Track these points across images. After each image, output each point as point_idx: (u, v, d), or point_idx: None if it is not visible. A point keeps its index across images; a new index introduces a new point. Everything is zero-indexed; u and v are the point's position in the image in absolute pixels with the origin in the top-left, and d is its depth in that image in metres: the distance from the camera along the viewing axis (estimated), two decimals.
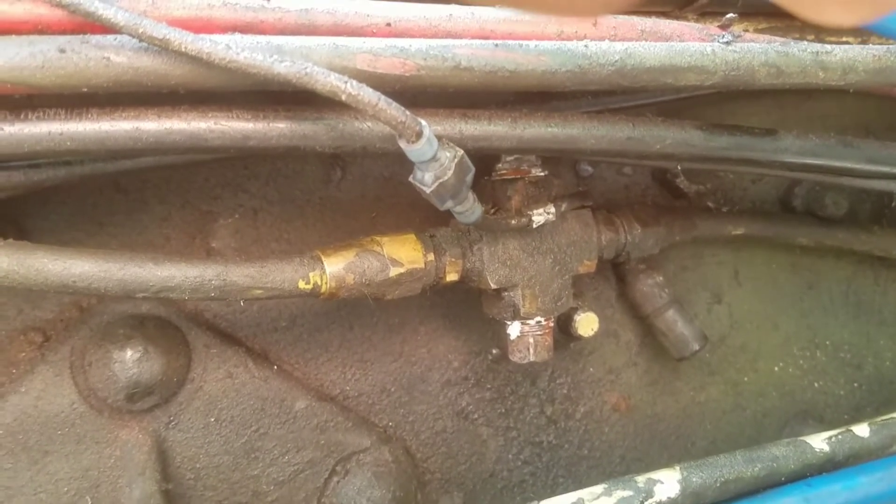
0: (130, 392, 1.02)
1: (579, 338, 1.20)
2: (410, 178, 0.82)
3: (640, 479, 0.93)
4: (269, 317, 1.17)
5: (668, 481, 0.93)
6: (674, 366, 1.39)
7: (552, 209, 1.08)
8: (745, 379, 1.44)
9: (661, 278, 1.30)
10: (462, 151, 0.82)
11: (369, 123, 0.81)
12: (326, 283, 0.96)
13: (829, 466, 1.02)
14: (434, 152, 0.78)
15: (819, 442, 1.03)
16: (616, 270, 1.34)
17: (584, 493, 0.91)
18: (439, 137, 0.81)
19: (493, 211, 1.09)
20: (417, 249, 1.03)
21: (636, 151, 0.94)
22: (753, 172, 1.10)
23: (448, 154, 0.81)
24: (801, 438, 1.03)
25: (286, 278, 0.93)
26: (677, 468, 0.95)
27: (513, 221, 1.05)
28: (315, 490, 1.15)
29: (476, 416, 1.29)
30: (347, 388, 1.22)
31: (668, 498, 0.92)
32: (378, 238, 1.01)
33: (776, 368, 1.46)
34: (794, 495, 0.97)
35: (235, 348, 1.11)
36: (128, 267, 0.85)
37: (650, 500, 0.91)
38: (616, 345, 1.37)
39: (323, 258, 0.97)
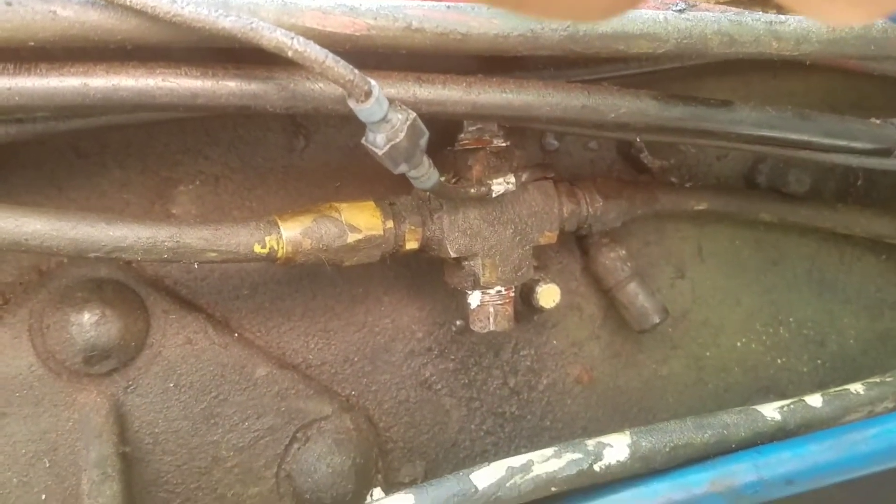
0: (88, 355, 1.02)
1: (541, 309, 1.21)
2: (363, 141, 0.83)
3: (591, 443, 0.94)
4: (231, 284, 1.17)
5: (618, 445, 0.94)
6: (636, 339, 1.40)
7: (512, 179, 1.08)
8: (708, 354, 1.46)
9: (623, 252, 1.31)
10: (414, 114, 0.82)
11: (321, 84, 0.82)
12: (283, 248, 0.97)
13: (780, 435, 1.03)
14: (384, 113, 0.78)
15: (771, 411, 1.04)
16: (580, 244, 1.35)
17: (534, 455, 0.92)
18: (392, 100, 0.81)
19: (454, 181, 1.10)
20: (376, 216, 1.03)
21: (591, 120, 0.94)
22: (711, 145, 1.10)
23: (400, 116, 0.81)
24: (753, 407, 1.05)
25: (241, 242, 0.94)
26: (627, 433, 0.96)
27: (472, 190, 1.05)
28: (275, 456, 1.16)
29: (439, 386, 1.30)
30: (310, 357, 1.22)
31: (618, 461, 0.94)
32: (336, 204, 1.02)
33: (738, 344, 1.48)
34: (743, 461, 0.98)
35: (195, 314, 1.11)
36: (80, 226, 0.85)
37: (599, 463, 0.92)
38: (579, 318, 1.38)
39: (280, 223, 0.97)
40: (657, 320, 1.29)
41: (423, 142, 0.85)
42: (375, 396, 1.26)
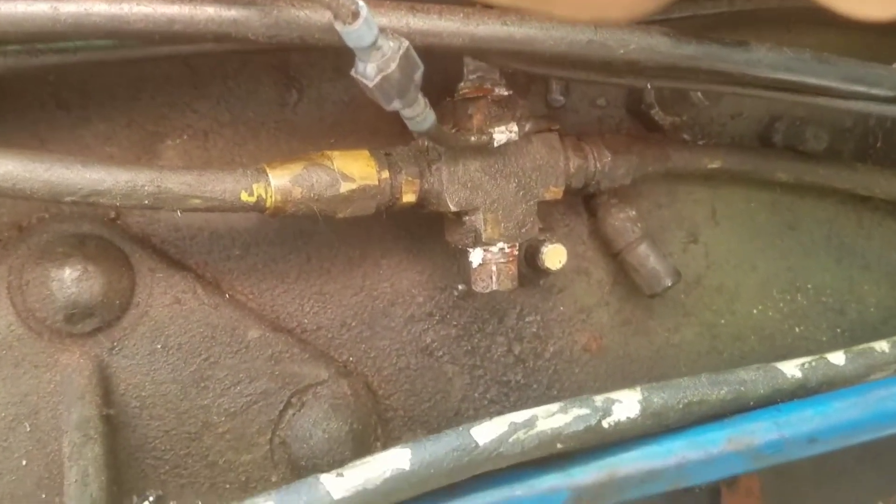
0: (69, 312, 0.98)
1: (547, 271, 1.16)
2: (352, 72, 0.77)
3: (599, 399, 0.88)
4: (221, 244, 1.12)
5: (628, 401, 0.89)
6: (647, 305, 1.35)
7: (515, 128, 1.03)
8: (722, 321, 1.40)
9: (633, 212, 1.25)
10: (408, 43, 0.77)
11: (306, 10, 0.76)
12: (272, 197, 0.91)
13: (800, 393, 0.97)
14: (374, 38, 0.73)
15: (791, 368, 0.98)
16: (587, 205, 1.29)
17: (538, 410, 0.86)
18: (384, 29, 0.76)
19: (453, 132, 1.05)
20: (371, 165, 0.98)
21: (599, 56, 0.89)
22: (725, 91, 1.04)
23: (392, 44, 0.76)
24: (773, 364, 0.99)
25: (227, 188, 0.89)
26: (638, 389, 0.91)
27: (472, 138, 1.00)
28: (269, 422, 1.11)
29: (441, 353, 1.25)
30: (305, 321, 1.17)
31: (628, 418, 0.88)
32: (329, 153, 0.97)
33: (755, 311, 1.42)
34: (763, 419, 0.93)
35: (183, 273, 1.07)
36: (55, 168, 0.80)
37: (608, 419, 0.87)
38: (587, 283, 1.32)
39: (268, 170, 0.92)
40: (669, 283, 1.23)
41: (418, 76, 0.80)
42: (374, 363, 1.21)
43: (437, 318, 1.24)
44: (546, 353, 1.31)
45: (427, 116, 0.86)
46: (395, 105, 0.80)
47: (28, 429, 1.00)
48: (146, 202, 0.84)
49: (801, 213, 1.43)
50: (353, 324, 1.20)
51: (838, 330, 1.47)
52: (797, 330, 1.45)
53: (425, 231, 1.21)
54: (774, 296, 1.43)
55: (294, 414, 1.11)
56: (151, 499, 1.06)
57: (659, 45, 0.90)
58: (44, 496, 1.02)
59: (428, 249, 1.23)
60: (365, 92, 0.79)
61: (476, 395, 1.27)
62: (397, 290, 1.22)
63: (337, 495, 0.77)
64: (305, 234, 1.16)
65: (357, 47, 0.73)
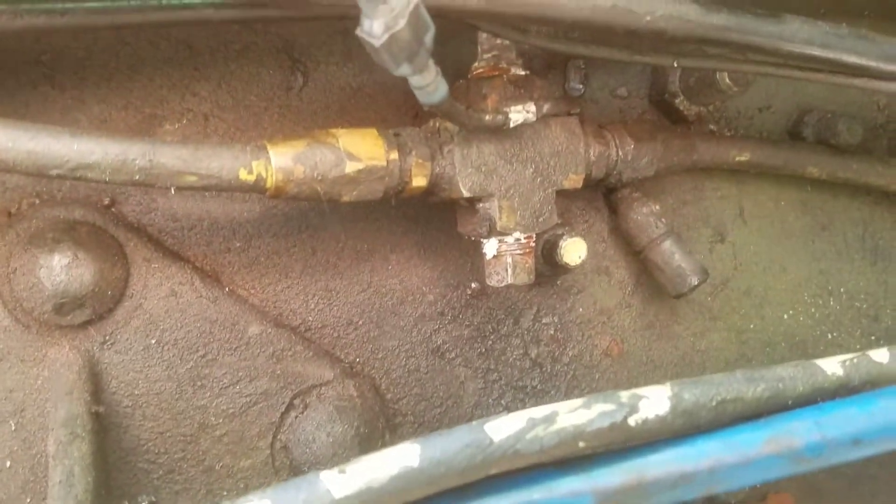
0: (58, 302, 0.92)
1: (566, 267, 1.09)
2: (357, 31, 0.71)
3: (625, 394, 0.81)
4: (221, 235, 1.06)
5: (656, 397, 0.81)
6: (672, 308, 1.27)
7: (532, 108, 0.97)
8: (751, 326, 1.32)
9: (657, 207, 1.18)
10: (417, 0, 0.71)
11: None
12: (272, 176, 0.85)
13: (842, 392, 0.89)
14: None
15: (832, 365, 0.91)
16: (608, 201, 1.23)
17: (559, 405, 0.79)
18: None
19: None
20: (379, 145, 0.92)
21: (623, 24, 0.82)
22: (757, 71, 0.98)
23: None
24: (812, 361, 0.91)
25: (225, 165, 0.83)
26: (667, 384, 0.83)
27: (487, 117, 0.94)
28: (270, 425, 1.04)
29: (453, 355, 1.18)
30: (310, 318, 1.11)
31: (656, 416, 0.80)
32: (334, 131, 0.91)
33: (785, 316, 1.34)
34: (804, 419, 0.85)
35: (180, 264, 1.01)
36: (40, 137, 0.75)
37: (634, 416, 0.79)
38: (608, 283, 1.25)
39: (269, 147, 0.86)
40: (695, 282, 1.16)
41: (429, 38, 0.74)
42: (382, 364, 1.14)
43: (448, 317, 1.18)
44: (564, 358, 1.23)
45: (439, 86, 0.80)
46: (404, 70, 0.74)
47: (13, 427, 0.94)
48: (138, 177, 0.79)
49: (833, 212, 1.36)
50: (360, 322, 1.13)
51: (872, 337, 1.40)
52: (829, 336, 1.37)
53: (437, 225, 1.15)
54: (806, 300, 1.35)
55: (296, 416, 1.04)
56: None
57: (688, 13, 0.84)
58: (28, 500, 0.96)
59: (440, 245, 1.16)
60: (371, 55, 0.73)
61: (490, 400, 1.20)
62: (407, 287, 1.15)
63: (338, 494, 0.70)
64: (311, 227, 1.10)
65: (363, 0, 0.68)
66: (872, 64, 0.97)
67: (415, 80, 0.77)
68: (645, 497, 0.83)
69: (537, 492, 0.80)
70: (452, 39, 1.02)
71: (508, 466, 0.78)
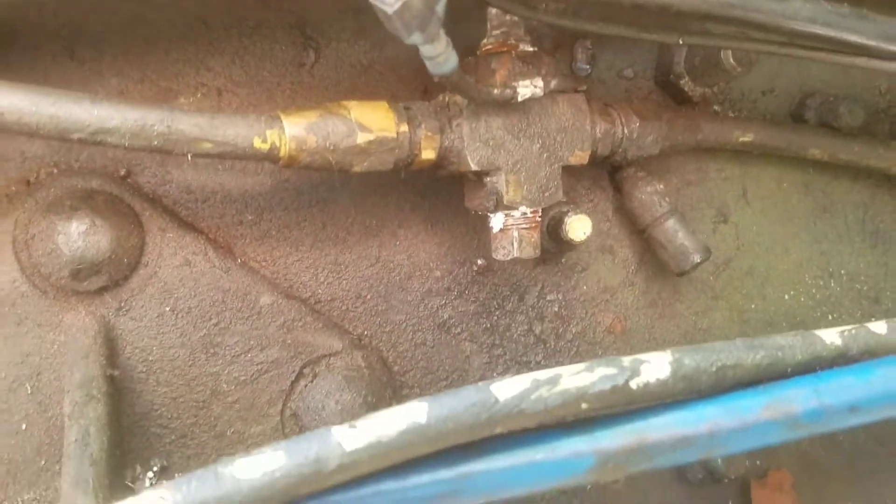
0: (75, 268, 0.94)
1: (570, 243, 1.11)
2: None
3: (626, 359, 0.83)
4: (234, 208, 1.08)
5: (658, 362, 0.83)
6: (674, 287, 1.29)
7: (540, 83, 0.99)
8: (753, 306, 1.34)
9: (661, 186, 1.20)
10: None
11: None
12: (286, 145, 0.88)
13: (840, 361, 0.91)
14: None
15: (831, 335, 0.92)
16: (613, 180, 1.25)
17: (562, 368, 0.81)
18: None
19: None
20: (389, 117, 0.94)
21: None
22: (760, 49, 0.99)
23: None
24: (811, 331, 0.93)
25: (240, 133, 0.85)
26: (668, 351, 0.85)
27: (496, 90, 0.96)
28: (280, 393, 1.06)
29: (459, 329, 1.20)
30: (319, 291, 1.13)
31: (657, 379, 0.82)
32: (346, 102, 0.93)
33: (786, 297, 1.36)
34: (802, 386, 0.87)
35: (194, 234, 1.03)
36: (61, 102, 0.77)
37: (636, 380, 0.81)
38: (612, 262, 1.27)
39: (283, 117, 0.89)
40: (698, 259, 1.18)
41: (440, 7, 0.76)
42: (389, 337, 1.16)
43: (455, 293, 1.20)
44: (568, 334, 1.26)
45: (449, 57, 0.82)
46: (416, 38, 0.76)
47: (29, 391, 0.97)
48: (155, 143, 0.81)
49: (835, 195, 1.37)
50: (369, 296, 1.15)
51: (873, 318, 1.41)
52: (830, 318, 1.39)
53: (444, 201, 1.17)
54: (807, 281, 1.37)
55: (306, 385, 1.07)
56: (156, 468, 1.01)
57: None
58: (43, 462, 0.98)
59: (447, 221, 1.18)
60: (384, 23, 0.75)
61: (494, 375, 1.22)
62: (414, 262, 1.18)
63: (349, 447, 0.72)
64: (321, 201, 1.12)
65: None
66: (873, 43, 0.99)
67: (426, 50, 0.79)
68: (646, 459, 0.85)
69: (541, 451, 0.82)
70: (462, 18, 1.04)
71: (513, 426, 0.80)
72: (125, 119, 0.79)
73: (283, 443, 0.74)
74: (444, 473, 0.78)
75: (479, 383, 0.80)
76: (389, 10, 0.72)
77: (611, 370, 0.83)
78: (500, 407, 0.78)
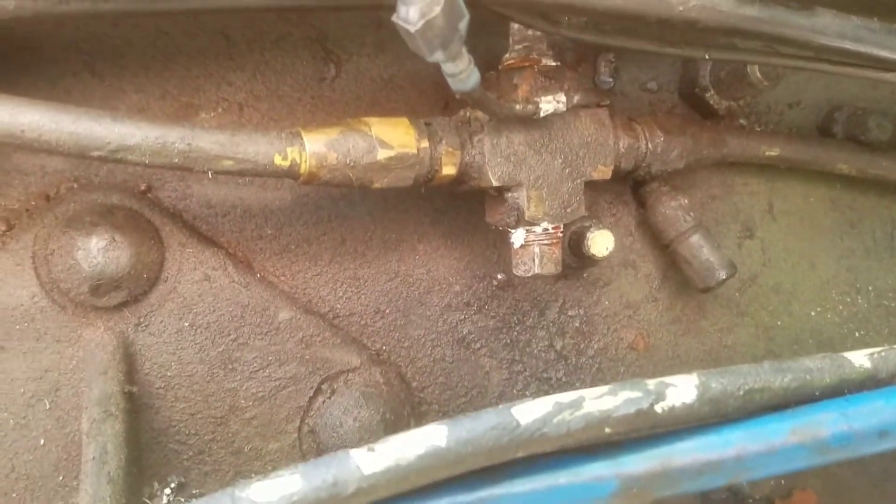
0: (95, 284, 0.94)
1: (592, 258, 1.09)
2: (394, 17, 0.73)
3: (651, 382, 0.81)
4: (254, 223, 1.08)
5: (683, 386, 0.81)
6: (699, 303, 1.27)
7: (563, 98, 0.98)
8: (779, 323, 1.32)
9: (685, 201, 1.18)
10: None
11: None
12: (306, 161, 0.87)
13: (870, 384, 0.89)
14: None
15: (859, 357, 0.90)
16: (636, 194, 1.23)
17: (586, 391, 0.80)
18: None
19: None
20: (410, 133, 0.93)
21: (656, 13, 0.83)
22: (788, 65, 0.98)
23: None
24: (840, 353, 0.91)
25: (261, 151, 0.85)
26: (694, 374, 0.83)
27: (518, 106, 0.95)
28: (298, 409, 1.05)
29: (478, 345, 1.19)
30: (338, 306, 1.12)
31: (683, 404, 0.81)
32: (367, 119, 0.92)
33: (813, 313, 1.34)
34: (830, 410, 0.85)
35: (214, 249, 1.02)
36: (82, 120, 0.77)
37: (661, 404, 0.80)
38: (635, 277, 1.25)
39: (304, 134, 0.88)
40: (723, 276, 1.16)
41: (463, 25, 0.75)
42: (408, 353, 1.15)
43: (474, 308, 1.19)
44: (589, 350, 1.24)
45: (471, 74, 0.81)
46: (438, 56, 0.75)
47: (48, 406, 0.97)
48: (176, 161, 0.80)
49: (862, 210, 1.35)
50: (388, 311, 1.14)
51: None
52: (857, 335, 1.36)
53: (464, 216, 1.16)
54: (834, 298, 1.35)
55: (324, 401, 1.06)
56: (173, 485, 1.01)
57: (720, 3, 0.84)
58: (61, 478, 0.98)
59: (467, 235, 1.17)
60: (406, 41, 0.74)
61: (514, 391, 1.21)
62: (434, 277, 1.17)
63: (367, 470, 0.71)
64: (340, 216, 1.11)
65: None
66: None
67: (448, 68, 0.78)
68: (670, 484, 0.83)
69: (563, 476, 0.81)
70: (484, 32, 1.03)
71: (535, 449, 0.79)
72: (146, 137, 0.78)
73: (301, 465, 0.73)
74: (464, 498, 0.77)
75: (500, 406, 0.79)
76: (412, 29, 0.71)
77: (635, 394, 0.81)
78: (521, 430, 0.77)
